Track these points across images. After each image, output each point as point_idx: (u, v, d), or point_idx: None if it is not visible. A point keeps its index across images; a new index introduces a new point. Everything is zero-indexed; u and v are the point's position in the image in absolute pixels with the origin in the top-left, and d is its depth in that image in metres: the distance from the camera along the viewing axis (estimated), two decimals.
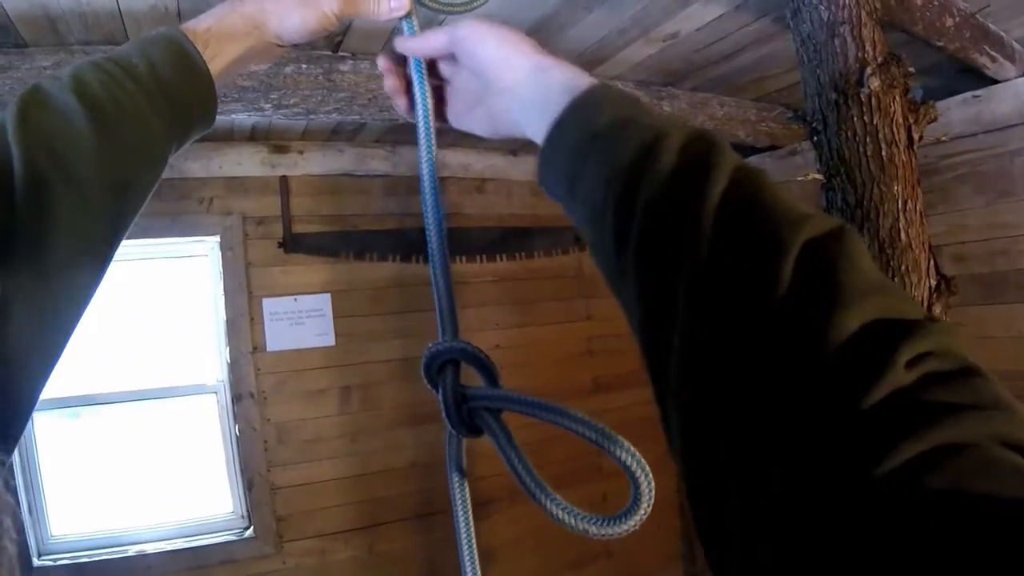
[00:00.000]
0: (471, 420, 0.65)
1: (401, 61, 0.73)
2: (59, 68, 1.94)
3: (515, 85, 0.65)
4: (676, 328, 0.45)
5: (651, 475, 0.55)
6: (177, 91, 0.70)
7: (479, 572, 0.71)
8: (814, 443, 0.34)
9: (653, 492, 0.55)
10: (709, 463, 0.41)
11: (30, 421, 0.64)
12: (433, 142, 0.73)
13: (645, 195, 0.50)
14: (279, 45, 0.78)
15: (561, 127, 0.59)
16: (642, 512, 0.55)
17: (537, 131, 0.63)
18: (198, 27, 0.73)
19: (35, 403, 0.63)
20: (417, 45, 0.71)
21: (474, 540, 0.71)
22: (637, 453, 0.56)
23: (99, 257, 0.67)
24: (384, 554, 3.39)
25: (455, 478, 0.71)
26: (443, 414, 0.65)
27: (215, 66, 0.72)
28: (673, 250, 0.47)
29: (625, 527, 0.55)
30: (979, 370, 0.36)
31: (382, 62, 0.74)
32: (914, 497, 0.30)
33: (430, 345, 0.66)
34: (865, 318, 0.36)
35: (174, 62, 0.70)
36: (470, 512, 0.71)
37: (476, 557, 0.71)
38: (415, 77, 0.73)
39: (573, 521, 0.57)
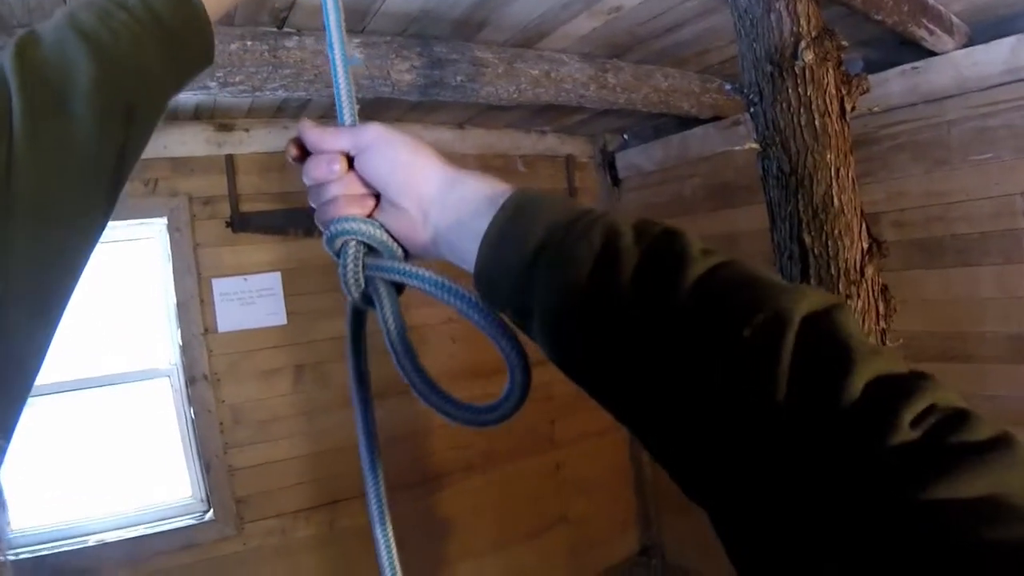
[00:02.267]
0: (367, 290, 0.68)
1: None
2: (1, 52, 1.90)
3: (424, 203, 0.63)
4: (693, 421, 0.46)
5: (529, 368, 0.59)
6: (170, 20, 0.71)
7: (377, 454, 0.73)
8: (847, 482, 0.38)
9: (528, 383, 0.59)
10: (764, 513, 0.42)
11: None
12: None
13: (616, 306, 0.49)
14: None
15: (496, 245, 0.56)
16: (516, 398, 0.59)
17: (460, 252, 0.60)
18: None
19: (36, 368, 0.63)
20: (317, 139, 0.68)
21: (374, 422, 0.73)
22: (519, 345, 0.59)
23: (104, 187, 0.67)
24: (345, 530, 3.42)
25: (352, 353, 0.73)
26: (341, 282, 0.68)
27: None
28: (664, 348, 0.47)
29: (499, 414, 0.59)
30: (973, 412, 0.40)
31: (292, 150, 0.70)
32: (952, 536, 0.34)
33: (333, 220, 0.67)
34: (868, 379, 0.40)
35: None
36: (369, 389, 0.73)
37: (376, 440, 0.73)
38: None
39: (450, 409, 0.61)
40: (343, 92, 0.73)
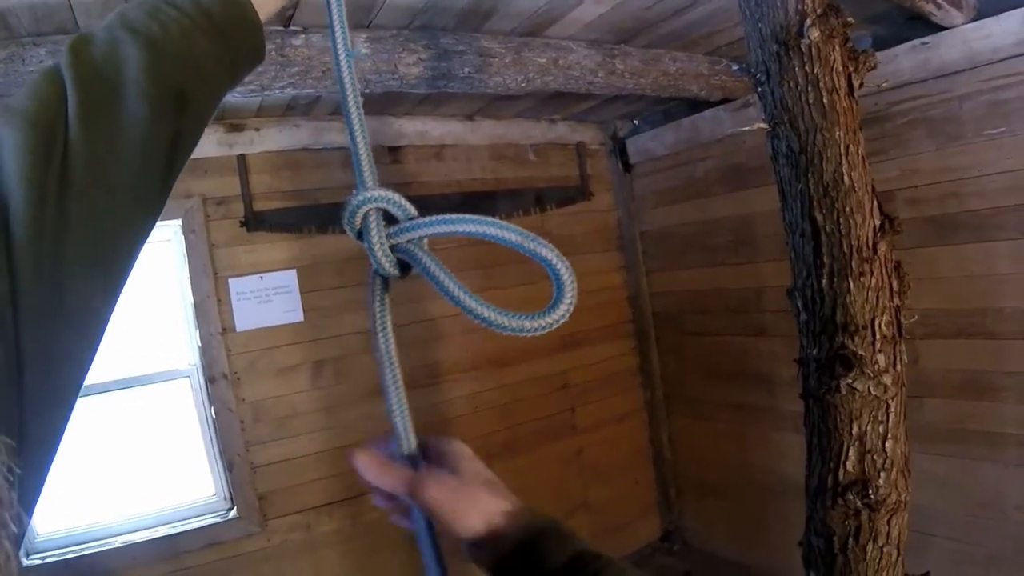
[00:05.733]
0: (399, 259, 0.70)
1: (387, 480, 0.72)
2: (11, 62, 1.92)
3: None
4: None
5: (572, 270, 0.62)
6: (219, 16, 0.73)
7: (408, 415, 0.76)
8: None
9: (575, 284, 0.62)
10: None
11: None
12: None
13: None
14: None
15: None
16: (567, 302, 0.62)
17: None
18: None
19: (92, 353, 0.65)
20: (376, 478, 0.70)
21: (400, 379, 0.75)
22: (556, 249, 0.62)
23: (158, 173, 0.69)
24: (368, 524, 3.44)
25: (380, 331, 0.74)
26: (371, 259, 0.70)
27: None
28: None
29: (555, 317, 0.62)
30: None
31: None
32: None
33: (349, 197, 0.70)
34: None
35: None
36: (395, 355, 0.74)
37: (404, 398, 0.75)
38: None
39: (507, 321, 0.64)
40: (363, 160, 0.75)
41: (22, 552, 2.77)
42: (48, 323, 0.57)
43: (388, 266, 0.70)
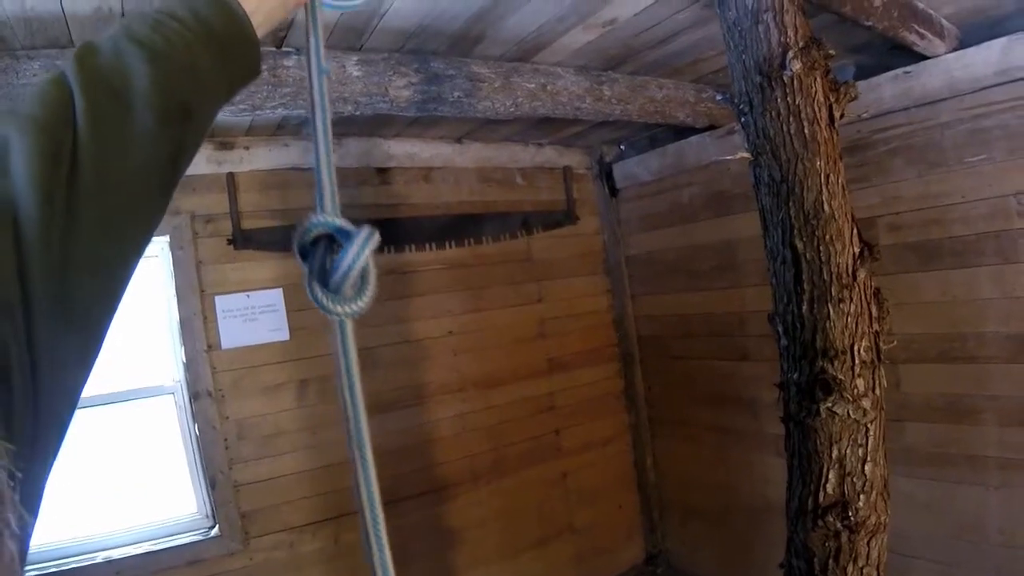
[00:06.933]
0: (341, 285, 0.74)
1: None
2: (4, 74, 1.93)
3: None
4: None
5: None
6: (219, 30, 0.75)
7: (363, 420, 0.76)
8: None
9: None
10: None
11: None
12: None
13: None
14: None
15: None
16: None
17: None
18: None
19: (95, 356, 0.67)
20: None
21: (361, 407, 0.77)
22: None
23: (162, 180, 0.71)
24: (351, 543, 3.42)
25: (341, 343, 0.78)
26: (306, 284, 0.74)
27: (248, 6, 0.78)
28: None
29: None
30: None
31: None
32: None
33: (305, 219, 0.74)
34: None
35: (212, 5, 0.76)
36: (357, 382, 0.77)
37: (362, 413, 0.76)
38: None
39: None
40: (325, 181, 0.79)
41: None
42: (59, 324, 0.58)
43: (322, 292, 0.74)
